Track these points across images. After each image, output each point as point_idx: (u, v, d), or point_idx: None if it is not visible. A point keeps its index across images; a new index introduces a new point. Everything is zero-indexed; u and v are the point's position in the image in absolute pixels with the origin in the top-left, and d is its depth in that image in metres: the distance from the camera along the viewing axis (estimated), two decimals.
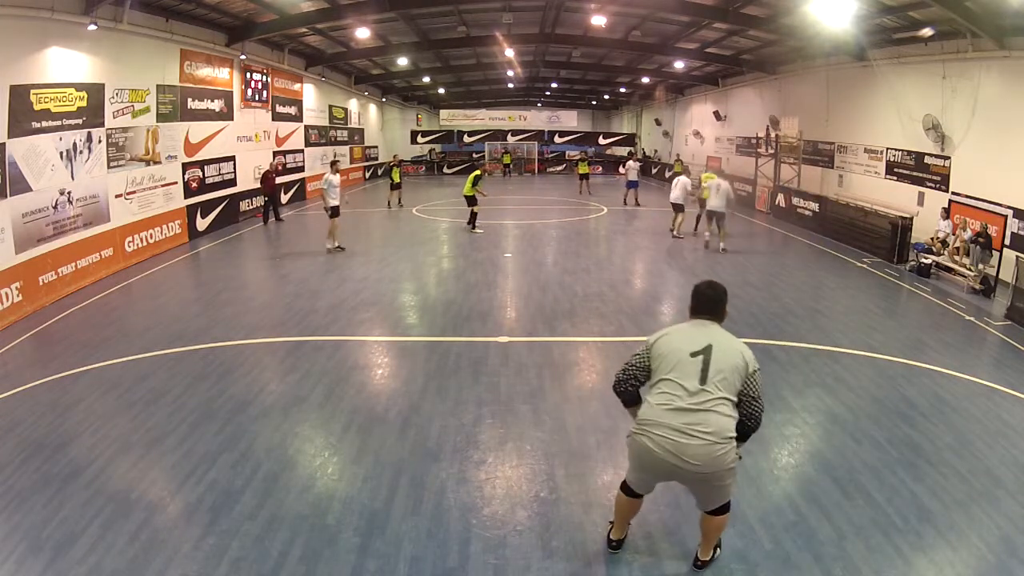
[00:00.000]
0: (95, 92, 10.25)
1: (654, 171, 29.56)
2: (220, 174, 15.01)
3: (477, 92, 32.56)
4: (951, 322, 8.23)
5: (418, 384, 5.98)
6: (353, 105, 26.43)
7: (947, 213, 11.22)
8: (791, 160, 17.57)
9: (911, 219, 11.92)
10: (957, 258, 10.24)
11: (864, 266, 11.41)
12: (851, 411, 5.45)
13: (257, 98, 16.92)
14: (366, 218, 17.66)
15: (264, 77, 17.22)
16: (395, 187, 19.05)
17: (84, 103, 9.95)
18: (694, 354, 3.06)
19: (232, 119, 15.55)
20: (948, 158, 11.56)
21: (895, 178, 13.28)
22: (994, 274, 9.78)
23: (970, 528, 3.84)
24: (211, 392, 5.80)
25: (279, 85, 18.44)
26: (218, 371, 6.31)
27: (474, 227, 14.67)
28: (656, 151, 31.89)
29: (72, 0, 9.43)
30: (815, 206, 15.14)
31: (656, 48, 18.65)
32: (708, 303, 3.27)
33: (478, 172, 14.93)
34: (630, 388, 3.26)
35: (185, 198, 13.42)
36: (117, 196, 11.02)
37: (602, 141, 34.26)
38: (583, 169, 23.20)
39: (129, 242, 11.27)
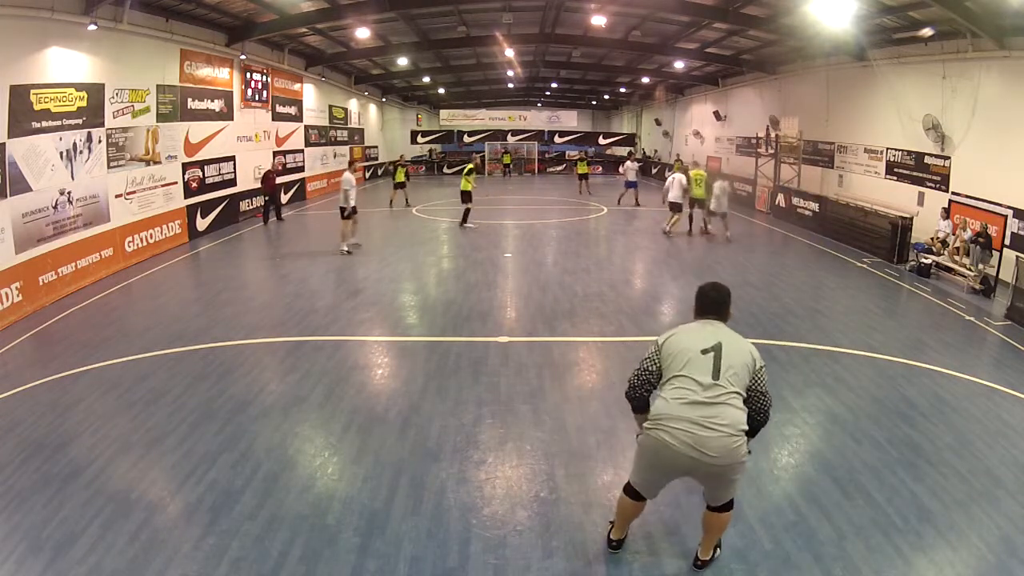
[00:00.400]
0: (95, 92, 10.25)
1: (654, 171, 29.56)
2: (220, 174, 15.01)
3: (477, 92, 32.55)
4: (951, 322, 8.23)
5: (418, 384, 5.98)
6: (353, 105, 26.43)
7: (947, 213, 11.22)
8: (791, 160, 17.57)
9: (911, 219, 11.92)
10: (957, 258, 10.24)
11: (864, 266, 11.41)
12: (851, 411, 5.45)
13: (257, 98, 16.92)
14: (366, 218, 17.60)
15: (264, 77, 17.22)
16: (399, 186, 19.21)
17: (84, 103, 9.95)
18: (705, 351, 3.11)
19: (232, 119, 15.55)
20: (948, 158, 11.56)
21: (895, 178, 13.28)
22: (994, 274, 9.78)
23: (970, 528, 3.84)
24: (211, 392, 5.80)
25: (279, 85, 18.43)
26: (218, 371, 6.31)
27: (464, 223, 14.92)
28: (656, 151, 31.88)
29: (72, 0, 9.43)
30: (815, 206, 15.14)
31: (656, 48, 18.65)
32: (713, 304, 3.34)
33: (471, 166, 15.36)
34: (644, 393, 3.28)
35: (185, 198, 13.42)
36: (117, 196, 11.02)
37: (602, 141, 34.25)
38: (583, 169, 23.21)
39: (129, 242, 11.27)
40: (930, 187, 12.10)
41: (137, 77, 11.50)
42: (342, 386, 5.94)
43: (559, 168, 33.58)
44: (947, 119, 11.45)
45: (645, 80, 25.56)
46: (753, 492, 4.20)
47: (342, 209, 11.80)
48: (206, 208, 14.24)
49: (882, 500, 4.11)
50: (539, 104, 35.74)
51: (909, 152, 12.72)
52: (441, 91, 31.37)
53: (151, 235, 12.00)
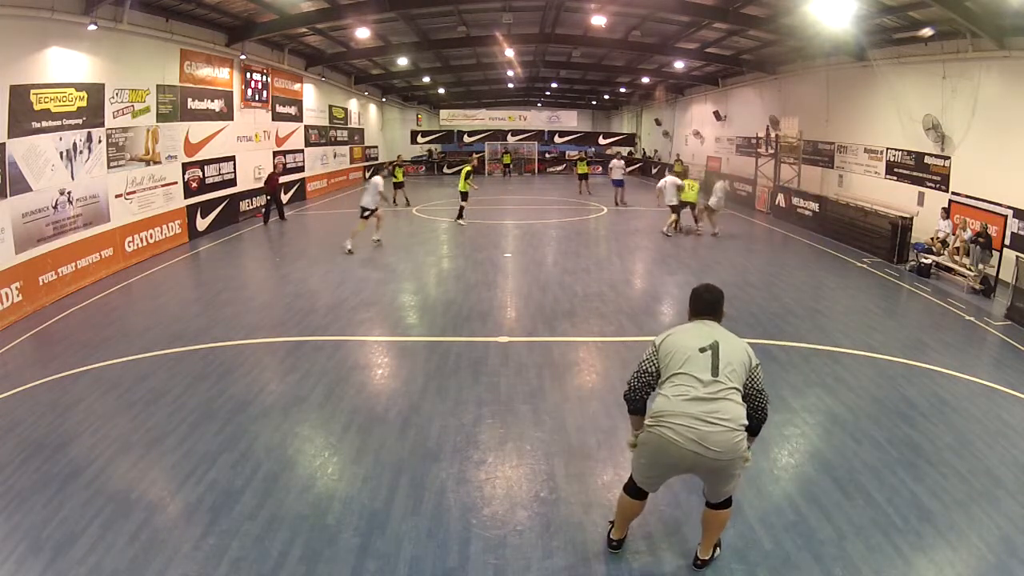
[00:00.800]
0: (95, 92, 10.25)
1: (654, 171, 29.55)
2: (220, 174, 15.01)
3: (477, 92, 32.54)
4: (951, 322, 8.23)
5: (418, 384, 5.98)
6: (353, 105, 26.43)
7: (947, 213, 11.22)
8: (791, 160, 17.57)
9: (911, 219, 11.92)
10: (957, 258, 10.24)
11: (864, 266, 11.41)
12: (851, 411, 5.45)
13: (257, 98, 16.92)
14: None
15: (264, 77, 17.22)
16: (398, 186, 19.36)
17: (84, 103, 9.95)
18: (703, 349, 3.15)
19: (232, 119, 15.55)
20: (948, 158, 11.56)
21: (895, 178, 13.28)
22: (994, 274, 9.78)
23: (970, 528, 3.84)
24: (211, 392, 5.80)
25: (279, 85, 18.43)
26: (218, 371, 6.31)
27: (459, 218, 15.50)
28: (656, 151, 31.88)
29: (72, 0, 9.43)
30: (815, 206, 15.14)
31: (656, 48, 18.64)
32: (707, 305, 3.38)
33: (468, 168, 15.85)
34: (643, 395, 3.30)
35: (185, 198, 13.42)
36: (117, 196, 11.02)
37: (602, 141, 34.23)
38: (583, 169, 23.20)
39: (129, 242, 11.27)
40: (930, 187, 12.10)
41: (137, 77, 11.50)
42: (342, 386, 5.94)
43: (559, 168, 33.58)
44: (947, 119, 11.45)
45: (645, 80, 25.56)
46: (753, 492, 4.20)
47: (362, 208, 12.06)
48: (206, 208, 14.24)
49: (882, 500, 4.11)
50: (539, 104, 35.73)
51: (909, 152, 12.72)
52: (441, 91, 31.35)
53: (151, 235, 12.00)
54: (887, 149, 13.50)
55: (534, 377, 6.13)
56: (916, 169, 12.54)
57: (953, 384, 6.08)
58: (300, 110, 20.33)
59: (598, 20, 14.90)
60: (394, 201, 19.16)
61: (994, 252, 9.81)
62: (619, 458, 4.58)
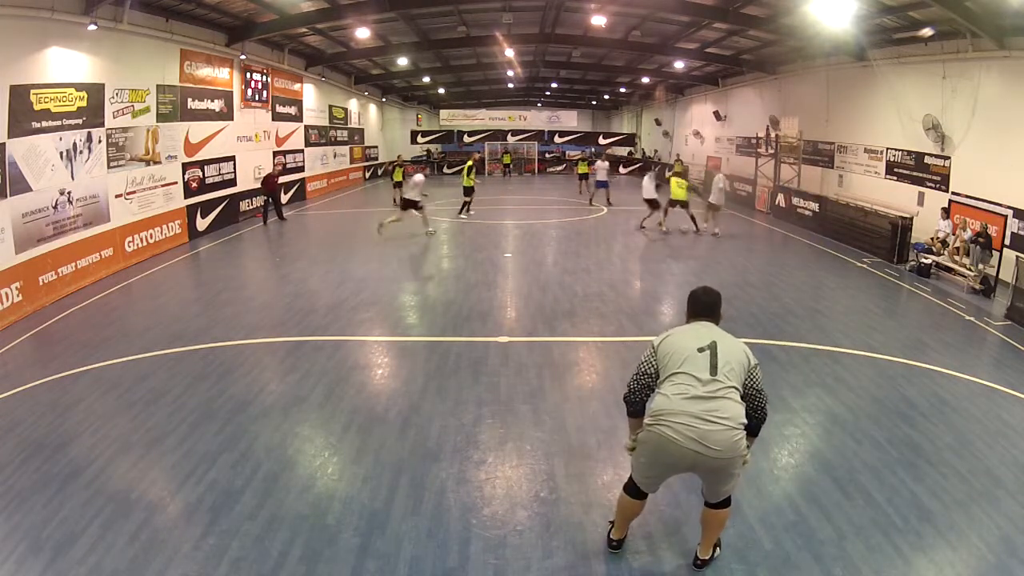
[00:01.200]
0: (95, 92, 10.25)
1: (654, 171, 29.51)
2: (220, 174, 15.01)
3: (477, 92, 32.53)
4: (951, 322, 8.23)
5: (418, 384, 5.98)
6: (353, 105, 26.43)
7: (947, 213, 11.22)
8: (791, 160, 17.57)
9: (911, 219, 11.92)
10: (957, 258, 10.24)
11: (864, 266, 11.41)
12: (851, 411, 5.45)
13: (257, 98, 16.92)
14: (367, 217, 17.65)
15: (264, 77, 17.22)
16: (397, 185, 19.51)
17: (84, 103, 9.95)
18: (701, 349, 3.16)
19: (232, 119, 15.55)
20: (948, 158, 11.56)
21: (895, 178, 13.28)
22: (994, 274, 9.77)
23: (970, 528, 3.84)
24: (211, 392, 5.80)
25: (279, 85, 18.43)
26: (218, 371, 6.31)
27: (463, 211, 16.38)
28: (656, 151, 31.88)
29: (72, 0, 9.43)
30: (815, 206, 15.14)
31: (656, 48, 18.64)
32: (705, 307, 3.41)
33: (470, 163, 16.98)
34: (643, 397, 3.30)
35: (185, 198, 13.42)
36: (117, 196, 11.02)
37: (602, 141, 34.22)
38: (583, 169, 23.17)
39: (129, 242, 11.27)
40: (930, 187, 12.10)
41: (137, 77, 11.50)
42: (342, 386, 5.94)
43: (559, 168, 33.57)
44: (947, 119, 11.44)
45: (645, 80, 25.56)
46: (753, 492, 4.20)
47: (405, 201, 13.70)
48: (206, 208, 14.24)
49: (882, 500, 4.11)
50: (539, 104, 35.73)
51: (909, 152, 12.72)
52: (441, 91, 31.35)
53: (151, 235, 12.00)
54: (887, 149, 13.49)
55: (534, 377, 6.13)
56: (916, 169, 12.54)
57: (953, 384, 6.08)
58: (300, 110, 20.33)
59: (598, 20, 14.90)
60: (393, 201, 19.29)
61: (994, 252, 9.81)
62: (619, 458, 4.57)
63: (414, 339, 7.34)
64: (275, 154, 18.29)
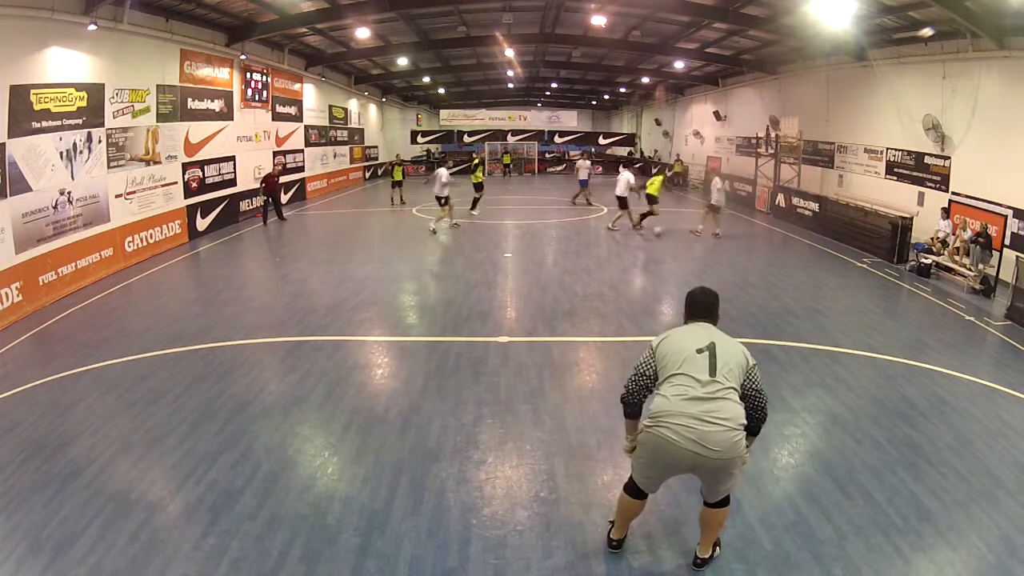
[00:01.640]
0: (95, 92, 10.25)
1: (654, 171, 29.52)
2: (220, 174, 15.01)
3: (477, 92, 32.53)
4: (951, 322, 8.23)
5: (418, 384, 5.98)
6: (353, 105, 26.42)
7: (947, 213, 11.22)
8: (791, 160, 17.57)
9: (911, 219, 11.92)
10: (957, 258, 10.24)
11: (864, 266, 11.41)
12: (851, 411, 5.45)
13: (257, 98, 16.92)
14: (367, 217, 17.67)
15: (264, 77, 17.21)
16: (396, 185, 19.64)
17: (84, 103, 9.95)
18: (700, 350, 3.16)
19: (232, 119, 15.55)
20: (948, 158, 11.56)
21: (895, 178, 13.28)
22: (994, 274, 9.77)
23: (970, 528, 3.84)
24: (211, 392, 5.80)
25: (279, 85, 18.43)
26: (218, 371, 6.31)
27: (473, 208, 16.75)
28: (656, 151, 31.89)
29: (72, 0, 9.43)
30: (815, 206, 15.14)
31: (656, 48, 18.65)
32: (703, 308, 3.41)
33: (477, 160, 18.19)
34: (640, 398, 3.30)
35: (185, 198, 13.42)
36: (117, 196, 11.02)
37: (602, 141, 34.23)
38: None
39: (129, 242, 11.27)
40: (930, 187, 12.10)
41: (137, 77, 11.50)
42: (342, 386, 5.94)
43: (559, 168, 33.57)
44: (947, 119, 11.45)
45: (645, 80, 25.56)
46: (753, 492, 4.20)
47: (437, 198, 14.22)
48: (206, 208, 14.24)
49: (882, 500, 4.11)
50: (539, 104, 35.73)
51: (909, 152, 12.72)
52: (441, 91, 31.34)
53: (151, 235, 12.00)
54: (887, 149, 13.50)
55: (534, 377, 6.13)
56: (916, 169, 12.54)
57: (953, 384, 6.08)
58: (300, 110, 20.33)
59: (598, 20, 14.90)
60: (392, 200, 19.34)
61: (994, 252, 9.81)
62: (619, 458, 4.57)
63: (414, 339, 7.34)
64: (275, 154, 18.28)
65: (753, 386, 3.19)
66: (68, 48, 9.54)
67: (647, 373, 3.26)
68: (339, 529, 3.83)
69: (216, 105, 14.71)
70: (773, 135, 18.28)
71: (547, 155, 34.19)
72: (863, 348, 6.99)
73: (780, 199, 17.24)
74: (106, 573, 3.44)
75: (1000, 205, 10.14)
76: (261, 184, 15.77)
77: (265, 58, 17.09)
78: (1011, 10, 9.17)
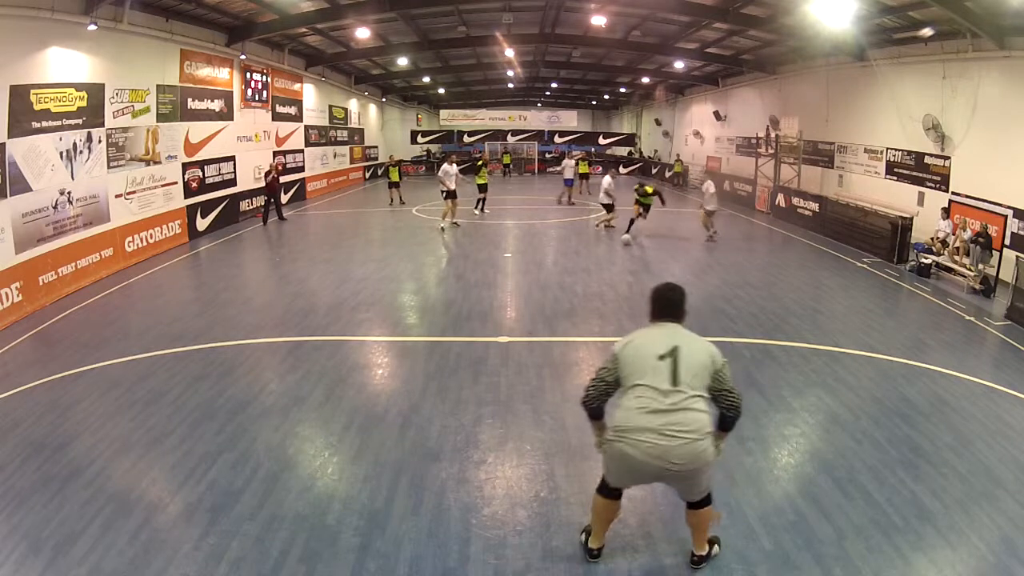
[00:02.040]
0: (95, 92, 10.25)
1: (654, 171, 29.57)
2: (220, 174, 15.01)
3: (477, 92, 32.54)
4: (951, 322, 8.22)
5: (418, 384, 5.98)
6: (353, 105, 26.42)
7: (947, 213, 11.21)
8: (791, 160, 17.57)
9: (911, 219, 11.92)
10: (957, 258, 10.24)
11: (864, 266, 11.41)
12: (851, 411, 5.45)
13: (257, 98, 16.92)
14: (366, 217, 17.67)
15: (264, 77, 17.21)
16: (393, 185, 19.75)
17: (84, 103, 9.95)
18: (661, 357, 3.08)
19: (232, 119, 15.55)
20: (948, 158, 11.56)
21: (895, 178, 13.28)
22: (994, 274, 9.77)
23: (970, 528, 3.84)
24: (211, 392, 5.80)
25: (279, 85, 18.43)
26: (218, 371, 6.31)
27: (478, 207, 17.16)
28: (656, 151, 31.89)
29: (72, 0, 9.43)
30: (815, 206, 15.14)
31: (656, 48, 18.65)
32: (670, 305, 3.32)
33: (480, 162, 18.43)
34: (601, 404, 3.26)
35: (185, 198, 13.42)
36: (117, 196, 11.02)
37: (602, 141, 34.22)
38: (583, 169, 23.19)
39: (129, 242, 11.28)
40: (930, 187, 12.10)
41: (137, 77, 11.50)
42: (342, 386, 5.94)
43: (559, 168, 33.50)
44: (947, 119, 11.45)
45: (645, 80, 25.57)
46: (753, 492, 4.20)
47: (442, 192, 14.50)
48: (206, 208, 14.24)
49: (882, 500, 4.11)
50: (539, 104, 35.73)
51: (909, 152, 12.72)
52: (441, 91, 31.35)
53: (151, 235, 12.00)
54: (887, 149, 13.49)
55: (534, 377, 6.12)
56: (916, 169, 12.54)
57: (953, 384, 6.08)
58: (300, 110, 20.33)
59: (598, 20, 14.91)
60: (390, 201, 19.37)
61: (994, 252, 9.80)
62: None
63: (414, 339, 7.34)
64: (275, 154, 18.28)
65: (722, 386, 3.12)
66: (68, 48, 9.54)
67: (608, 379, 3.20)
68: (339, 529, 3.83)
69: (216, 105, 14.71)
70: (773, 135, 18.28)
71: (547, 155, 34.17)
72: (863, 348, 6.99)
73: (780, 199, 17.24)
74: (106, 573, 3.44)
75: (1000, 205, 10.14)
76: (267, 176, 15.77)
77: (265, 58, 17.09)
78: (1011, 10, 9.17)
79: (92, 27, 9.75)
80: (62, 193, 9.48)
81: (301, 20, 14.66)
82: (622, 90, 30.07)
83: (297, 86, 19.90)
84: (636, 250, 12.80)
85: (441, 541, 3.72)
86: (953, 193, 11.41)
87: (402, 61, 21.95)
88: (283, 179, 17.72)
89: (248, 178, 16.40)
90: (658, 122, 30.95)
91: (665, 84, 25.99)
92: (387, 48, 19.49)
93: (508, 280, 10.04)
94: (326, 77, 22.26)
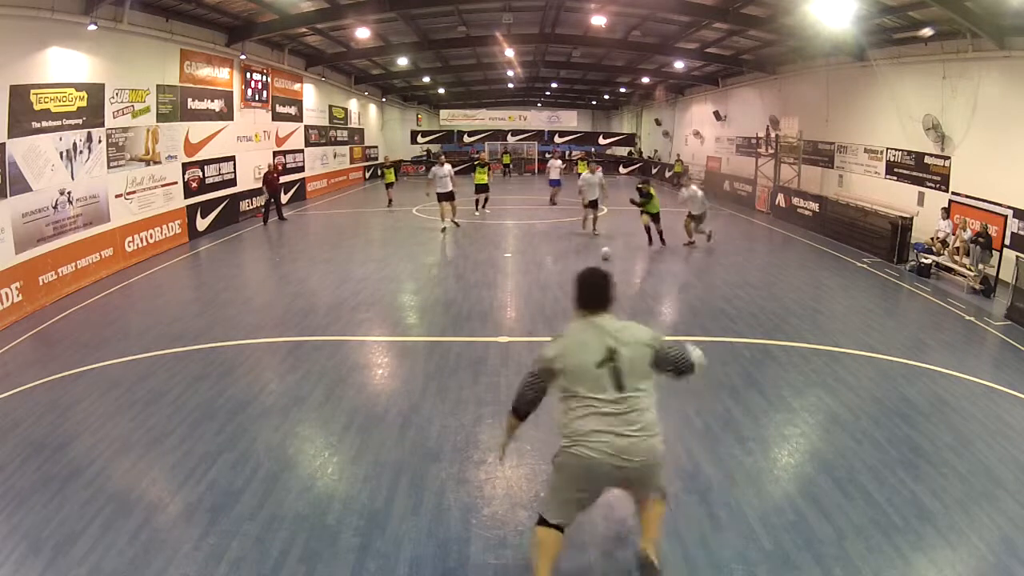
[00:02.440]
0: (95, 92, 10.25)
1: (654, 171, 29.55)
2: (220, 174, 15.02)
3: (477, 92, 32.54)
4: (951, 322, 8.22)
5: (418, 384, 5.98)
6: (353, 105, 26.42)
7: (947, 213, 11.21)
8: (791, 160, 17.56)
9: (911, 219, 11.91)
10: (957, 258, 10.24)
11: (864, 266, 11.41)
12: (851, 411, 5.44)
13: (257, 98, 16.92)
14: (366, 217, 17.67)
15: (264, 77, 17.21)
16: (389, 187, 20.01)
17: (84, 103, 9.95)
18: (599, 364, 2.95)
19: (232, 119, 15.55)
20: (948, 158, 11.56)
21: (895, 178, 13.28)
22: (994, 274, 9.77)
23: (970, 528, 3.84)
24: (211, 392, 5.80)
25: (279, 85, 18.43)
26: (218, 371, 6.31)
27: (484, 208, 17.36)
28: (656, 151, 31.89)
29: (72, 0, 9.43)
30: (815, 206, 15.14)
31: (656, 48, 18.65)
32: (599, 291, 3.14)
33: (480, 162, 18.43)
34: (531, 409, 3.19)
35: (185, 198, 13.42)
36: (117, 196, 11.03)
37: (602, 141, 34.23)
38: (583, 168, 23.18)
39: (129, 242, 11.28)
40: (930, 187, 12.10)
41: (137, 77, 11.51)
42: (342, 386, 5.94)
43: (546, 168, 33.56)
44: (947, 119, 11.45)
45: (645, 80, 25.57)
46: (753, 492, 4.20)
47: (438, 194, 14.27)
48: (206, 208, 14.24)
49: (882, 500, 4.11)
50: (539, 104, 35.72)
51: (909, 152, 12.72)
52: (441, 91, 31.35)
53: (151, 235, 12.00)
54: (887, 149, 13.49)
55: None
56: (916, 169, 12.54)
57: (953, 384, 6.08)
58: (300, 110, 20.33)
59: (598, 20, 14.92)
60: (389, 202, 19.37)
61: (994, 252, 9.81)
62: None
63: (414, 339, 7.34)
64: (275, 154, 18.28)
65: (669, 359, 3.09)
66: (68, 48, 9.54)
67: (538, 388, 3.13)
68: (339, 529, 3.83)
69: (216, 105, 14.71)
70: (773, 135, 18.28)
71: (547, 155, 34.14)
72: (863, 348, 6.99)
73: (780, 199, 17.24)
74: (106, 573, 3.44)
75: (1000, 205, 10.14)
76: (265, 174, 15.79)
77: (265, 58, 17.09)
78: (1011, 10, 9.17)
79: (92, 27, 9.75)
80: (62, 193, 9.48)
81: (301, 20, 14.67)
82: (622, 90, 30.07)
83: (297, 86, 19.90)
84: (635, 250, 12.79)
85: (441, 541, 3.72)
86: (953, 193, 11.41)
87: (402, 61, 21.95)
88: (283, 179, 17.73)
89: (248, 178, 16.41)
90: (658, 122, 30.95)
91: (665, 84, 25.98)
92: (387, 48, 19.49)
93: (508, 280, 10.04)
94: (326, 77, 22.27)
